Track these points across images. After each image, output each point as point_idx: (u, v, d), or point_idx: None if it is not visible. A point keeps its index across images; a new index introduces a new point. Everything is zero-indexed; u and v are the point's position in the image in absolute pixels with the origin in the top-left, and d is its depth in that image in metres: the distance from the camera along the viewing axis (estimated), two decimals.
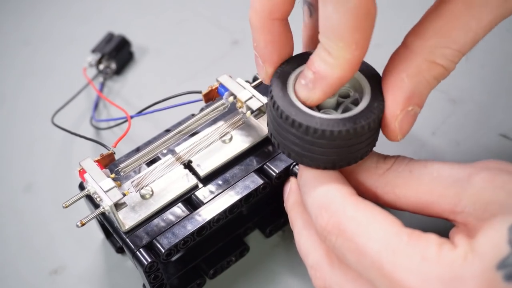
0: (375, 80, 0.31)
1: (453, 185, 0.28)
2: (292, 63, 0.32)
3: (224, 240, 0.39)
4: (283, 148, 0.32)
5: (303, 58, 0.32)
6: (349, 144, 0.30)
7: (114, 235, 0.36)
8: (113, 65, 0.54)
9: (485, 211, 0.27)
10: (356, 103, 0.32)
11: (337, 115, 0.30)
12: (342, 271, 0.30)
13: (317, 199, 0.30)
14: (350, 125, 0.29)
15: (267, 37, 0.31)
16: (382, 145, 0.33)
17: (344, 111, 0.31)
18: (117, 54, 0.54)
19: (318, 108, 0.32)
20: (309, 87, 0.30)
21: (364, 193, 0.32)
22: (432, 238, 0.27)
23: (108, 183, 0.34)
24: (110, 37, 0.55)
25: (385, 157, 0.32)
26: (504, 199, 0.27)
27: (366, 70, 0.32)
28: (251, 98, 0.37)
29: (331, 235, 0.29)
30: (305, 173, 0.32)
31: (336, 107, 0.32)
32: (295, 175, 0.36)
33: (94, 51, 0.54)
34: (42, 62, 0.58)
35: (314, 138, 0.29)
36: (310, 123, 0.29)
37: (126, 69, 0.55)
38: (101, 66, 0.54)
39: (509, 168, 0.28)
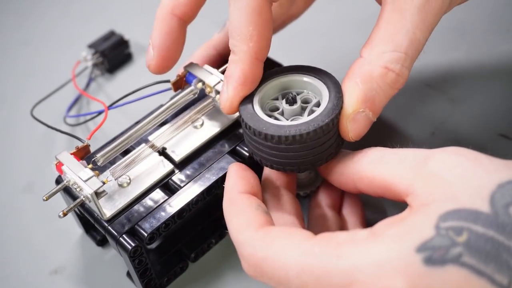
0: (335, 85, 0.33)
1: (413, 167, 0.29)
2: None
3: (203, 224, 0.40)
4: (265, 162, 0.33)
5: (266, 77, 0.35)
6: (321, 143, 0.32)
7: (96, 225, 0.36)
8: (105, 63, 0.54)
9: (430, 195, 0.27)
10: (319, 105, 0.34)
11: (303, 119, 0.32)
12: None
13: (233, 238, 0.31)
14: (316, 125, 0.31)
15: (162, 27, 0.37)
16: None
17: (309, 114, 0.33)
18: (111, 52, 0.54)
19: (287, 118, 0.34)
20: (223, 90, 0.34)
21: (345, 184, 0.33)
22: (341, 236, 0.28)
23: (87, 172, 0.34)
24: (109, 35, 0.55)
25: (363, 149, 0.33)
26: (450, 183, 0.27)
27: (326, 78, 0.34)
28: (219, 82, 0.38)
29: (258, 277, 0.29)
30: (224, 201, 0.33)
31: (302, 113, 0.34)
32: None
33: (90, 46, 0.54)
34: (42, 62, 0.58)
35: (287, 144, 0.31)
36: (281, 132, 0.31)
37: (122, 68, 0.55)
38: (89, 63, 0.54)
39: (463, 152, 0.29)
